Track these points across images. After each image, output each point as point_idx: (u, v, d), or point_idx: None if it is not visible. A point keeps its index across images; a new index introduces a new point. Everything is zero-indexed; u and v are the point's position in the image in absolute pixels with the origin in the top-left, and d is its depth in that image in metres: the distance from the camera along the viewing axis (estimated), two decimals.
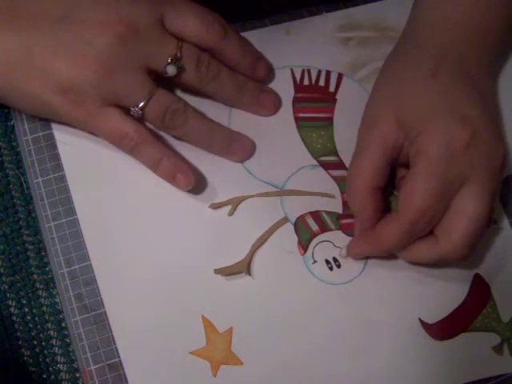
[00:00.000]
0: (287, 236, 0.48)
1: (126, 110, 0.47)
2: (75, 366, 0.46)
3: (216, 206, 0.49)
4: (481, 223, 0.44)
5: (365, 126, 0.48)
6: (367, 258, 0.48)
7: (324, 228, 0.49)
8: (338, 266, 0.48)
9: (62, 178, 0.49)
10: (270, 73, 0.52)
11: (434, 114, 0.45)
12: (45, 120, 0.50)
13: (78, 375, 0.46)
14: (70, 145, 0.49)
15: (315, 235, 0.49)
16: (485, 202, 0.44)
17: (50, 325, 0.47)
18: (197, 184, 0.48)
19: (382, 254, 0.47)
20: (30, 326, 0.47)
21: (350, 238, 0.49)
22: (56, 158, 0.49)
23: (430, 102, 0.45)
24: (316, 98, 0.52)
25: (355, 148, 0.48)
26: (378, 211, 0.46)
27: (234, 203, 0.49)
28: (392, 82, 0.48)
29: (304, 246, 0.48)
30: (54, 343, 0.46)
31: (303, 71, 0.53)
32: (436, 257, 0.45)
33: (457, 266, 0.48)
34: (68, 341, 0.46)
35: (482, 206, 0.44)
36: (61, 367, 0.46)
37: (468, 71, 0.47)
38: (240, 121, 0.51)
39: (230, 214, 0.49)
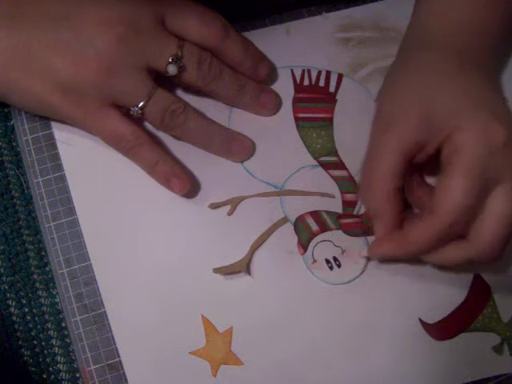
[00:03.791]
0: (287, 236, 0.48)
1: (125, 110, 0.47)
2: (75, 365, 0.46)
3: (215, 206, 0.49)
4: None
5: (382, 123, 0.46)
6: (388, 260, 0.48)
7: (324, 228, 0.49)
8: (339, 266, 0.48)
9: (62, 178, 0.49)
10: (272, 74, 0.52)
11: (468, 110, 0.44)
12: (45, 120, 0.50)
13: (78, 375, 0.46)
14: (70, 144, 0.49)
15: (315, 235, 0.49)
16: None
17: (50, 325, 0.47)
18: (192, 189, 0.48)
19: (409, 256, 0.46)
20: (30, 326, 0.47)
21: (350, 238, 0.49)
22: (56, 157, 0.49)
23: (461, 97, 0.44)
24: (316, 99, 0.52)
25: (369, 148, 0.47)
26: (400, 212, 0.45)
27: (234, 203, 0.49)
28: (410, 82, 0.47)
29: (304, 245, 0.48)
30: (54, 343, 0.46)
31: (303, 71, 0.53)
32: (466, 258, 0.44)
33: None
34: (68, 341, 0.46)
35: None
36: (61, 367, 0.46)
37: (485, 69, 0.47)
38: (240, 121, 0.51)
39: (230, 213, 0.49)
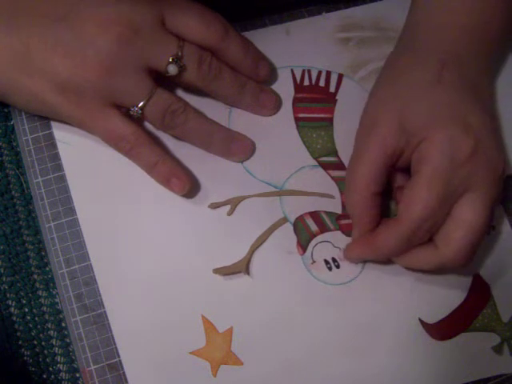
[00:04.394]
0: (286, 236, 0.48)
1: (125, 110, 0.47)
2: (75, 365, 0.46)
3: (215, 206, 0.49)
4: (480, 232, 0.44)
5: (364, 128, 0.47)
6: (365, 261, 0.48)
7: (323, 228, 0.49)
8: (337, 267, 0.48)
9: (62, 178, 0.49)
10: (272, 74, 0.52)
11: (439, 121, 0.44)
12: (45, 120, 0.50)
13: (78, 375, 0.46)
14: (70, 144, 0.49)
15: (314, 235, 0.49)
16: (485, 212, 0.44)
17: (50, 325, 0.47)
18: (192, 189, 0.48)
19: (379, 259, 0.47)
20: (30, 325, 0.47)
21: (349, 239, 0.48)
22: (56, 157, 0.49)
23: (435, 108, 0.45)
24: (316, 99, 0.52)
25: (353, 150, 0.47)
26: (376, 216, 0.46)
27: (234, 203, 0.49)
28: (394, 86, 0.47)
29: (303, 246, 0.48)
30: (53, 343, 0.46)
31: (303, 71, 0.53)
32: (434, 264, 0.45)
33: None
34: (68, 341, 0.46)
35: (482, 215, 0.44)
36: (61, 367, 0.46)
37: (469, 77, 0.47)
38: (240, 121, 0.51)
39: (229, 213, 0.49)
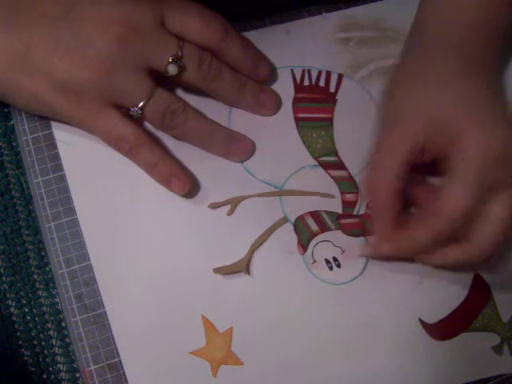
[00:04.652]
0: (287, 236, 0.48)
1: (125, 110, 0.47)
2: (75, 365, 0.46)
3: (215, 206, 0.49)
4: (508, 230, 0.44)
5: (390, 123, 0.47)
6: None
7: (324, 228, 0.49)
8: (338, 266, 0.48)
9: (62, 178, 0.49)
10: (272, 74, 0.52)
11: (475, 120, 0.44)
12: (45, 120, 0.50)
13: (78, 375, 0.46)
14: (70, 144, 0.49)
15: (315, 235, 0.49)
16: None
17: (50, 325, 0.47)
18: (192, 189, 0.48)
19: (407, 255, 0.47)
20: (30, 325, 0.47)
21: (349, 238, 0.49)
22: (56, 157, 0.49)
23: (469, 106, 0.45)
24: (316, 99, 0.52)
25: (376, 145, 0.47)
26: (399, 213, 0.46)
27: (234, 203, 0.49)
28: (414, 81, 0.47)
29: (304, 245, 0.48)
30: (53, 343, 0.46)
31: (303, 71, 0.53)
32: (462, 259, 0.45)
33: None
34: (68, 341, 0.46)
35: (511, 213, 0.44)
36: (61, 367, 0.46)
37: (479, 73, 0.47)
38: (240, 121, 0.51)
39: (229, 213, 0.49)
